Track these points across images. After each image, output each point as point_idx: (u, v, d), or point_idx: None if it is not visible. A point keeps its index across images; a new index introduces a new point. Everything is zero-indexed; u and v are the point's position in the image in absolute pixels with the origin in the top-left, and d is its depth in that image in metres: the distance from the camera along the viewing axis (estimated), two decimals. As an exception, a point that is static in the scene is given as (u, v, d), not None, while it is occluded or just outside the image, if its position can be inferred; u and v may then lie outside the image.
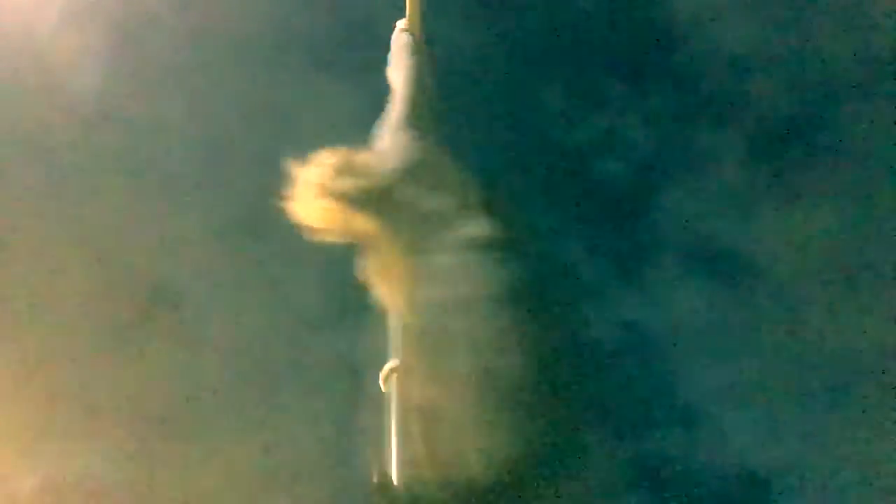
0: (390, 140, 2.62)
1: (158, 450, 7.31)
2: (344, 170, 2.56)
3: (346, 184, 2.52)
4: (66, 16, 6.89)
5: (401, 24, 2.67)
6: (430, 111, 2.48)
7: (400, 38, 2.68)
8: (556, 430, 2.23)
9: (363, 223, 2.54)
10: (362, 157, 2.59)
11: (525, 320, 2.18)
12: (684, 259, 8.39)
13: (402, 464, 2.35)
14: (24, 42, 6.89)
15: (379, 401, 2.63)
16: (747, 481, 8.05)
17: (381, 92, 2.73)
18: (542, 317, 2.19)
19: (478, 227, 2.32)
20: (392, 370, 2.55)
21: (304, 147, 2.79)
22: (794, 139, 7.86)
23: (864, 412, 7.21)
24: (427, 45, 2.42)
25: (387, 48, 2.74)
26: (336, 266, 8.02)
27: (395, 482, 2.29)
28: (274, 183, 2.61)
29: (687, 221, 8.31)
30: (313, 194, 2.56)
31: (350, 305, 7.96)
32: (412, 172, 2.48)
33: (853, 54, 7.33)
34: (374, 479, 2.31)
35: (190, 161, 7.45)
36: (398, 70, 2.65)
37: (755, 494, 7.97)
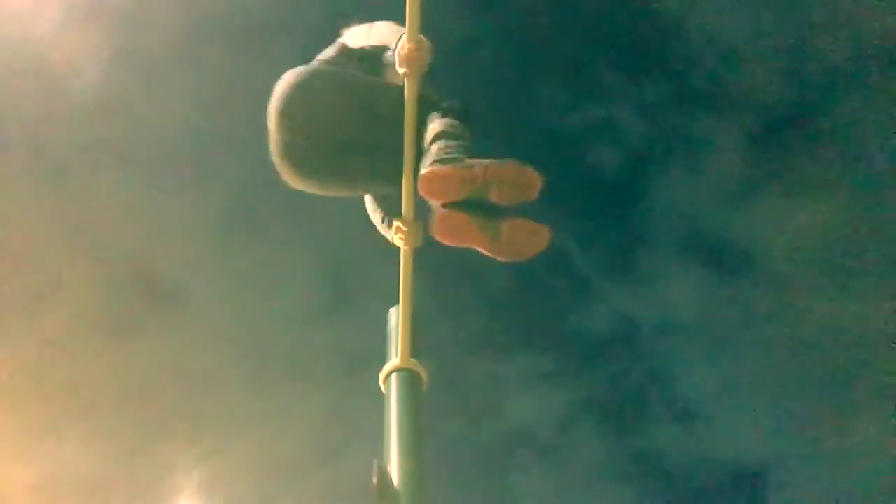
0: None
1: (156, 446, 7.29)
2: None
3: None
4: (60, 11, 6.83)
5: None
6: None
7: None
8: None
9: None
10: None
11: None
12: (679, 250, 8.40)
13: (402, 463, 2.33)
14: (20, 36, 6.84)
15: (378, 397, 2.62)
16: (742, 474, 8.09)
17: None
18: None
19: None
20: (392, 370, 2.53)
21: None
22: (790, 129, 7.85)
23: (861, 405, 7.23)
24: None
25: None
26: (334, 259, 7.97)
27: (395, 482, 2.27)
28: (268, 175, 2.57)
29: (682, 212, 8.31)
30: None
31: (348, 298, 7.96)
32: None
33: (850, 44, 7.30)
34: (374, 479, 2.29)
35: (185, 154, 7.42)
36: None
37: (750, 487, 8.00)
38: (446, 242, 2.23)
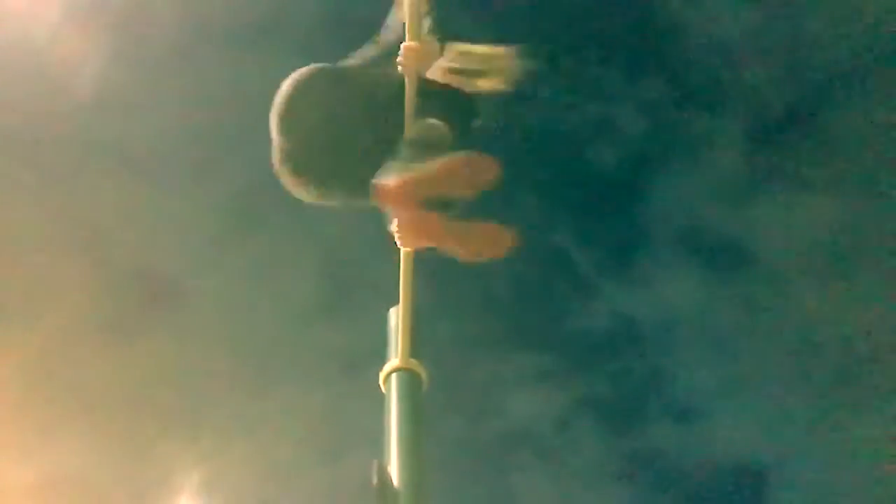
0: None
1: (156, 446, 7.29)
2: None
3: None
4: (60, 11, 6.83)
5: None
6: None
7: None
8: None
9: None
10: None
11: None
12: (679, 249, 8.38)
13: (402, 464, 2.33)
14: (20, 36, 6.83)
15: (377, 397, 2.61)
16: (742, 474, 8.08)
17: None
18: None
19: None
20: (392, 370, 2.53)
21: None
22: (790, 127, 7.84)
23: (861, 404, 7.22)
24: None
25: (372, 34, 2.63)
26: (334, 259, 7.98)
27: (395, 482, 2.27)
28: (267, 174, 2.54)
29: (682, 211, 8.30)
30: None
31: (348, 298, 7.95)
32: None
33: (850, 42, 7.30)
34: (374, 479, 2.29)
35: (185, 154, 7.41)
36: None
37: (750, 487, 7.99)
38: (410, 246, 2.18)
